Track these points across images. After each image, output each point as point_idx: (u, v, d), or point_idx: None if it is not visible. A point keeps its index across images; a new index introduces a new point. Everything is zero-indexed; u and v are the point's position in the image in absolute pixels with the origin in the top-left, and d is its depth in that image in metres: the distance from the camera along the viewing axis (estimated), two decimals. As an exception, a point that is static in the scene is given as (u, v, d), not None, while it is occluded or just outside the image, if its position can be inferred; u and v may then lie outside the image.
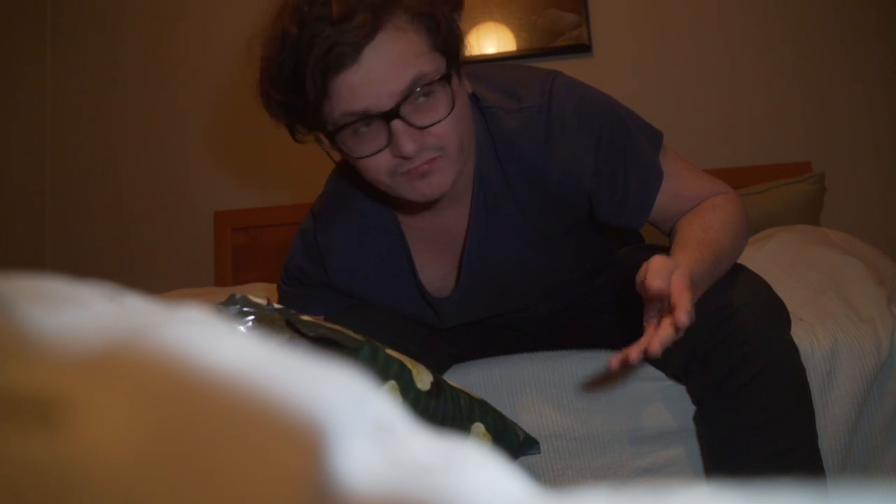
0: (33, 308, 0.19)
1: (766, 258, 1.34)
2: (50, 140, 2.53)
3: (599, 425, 1.05)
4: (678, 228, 0.91)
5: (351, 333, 0.77)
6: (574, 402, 1.06)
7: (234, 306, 0.74)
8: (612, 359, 0.75)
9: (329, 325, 0.78)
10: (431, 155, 0.83)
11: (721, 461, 0.90)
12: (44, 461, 0.15)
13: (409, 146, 0.80)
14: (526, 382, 1.08)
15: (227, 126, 2.46)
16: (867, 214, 2.17)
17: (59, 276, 0.22)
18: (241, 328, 0.74)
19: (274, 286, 1.50)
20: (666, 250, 0.89)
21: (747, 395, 0.85)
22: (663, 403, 1.05)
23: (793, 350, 0.88)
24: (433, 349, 1.06)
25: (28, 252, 2.43)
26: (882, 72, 2.21)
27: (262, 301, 0.77)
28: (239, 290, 1.82)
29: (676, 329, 0.73)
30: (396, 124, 0.80)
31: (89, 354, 0.17)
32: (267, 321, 0.75)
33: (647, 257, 0.78)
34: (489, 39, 2.34)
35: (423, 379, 0.80)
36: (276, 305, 0.78)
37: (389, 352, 0.79)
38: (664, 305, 0.76)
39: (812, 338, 1.04)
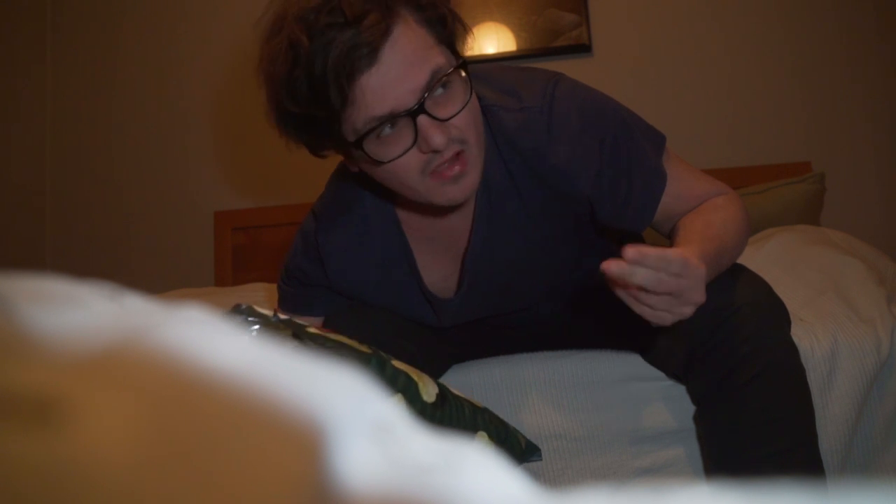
0: (33, 308, 0.19)
1: (766, 258, 1.34)
2: (50, 140, 2.53)
3: (599, 425, 1.05)
4: (679, 227, 0.92)
5: (358, 346, 0.77)
6: (574, 402, 1.06)
7: (239, 316, 0.74)
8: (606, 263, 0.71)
9: (335, 337, 0.78)
10: (457, 148, 0.82)
11: (721, 461, 0.90)
12: (44, 461, 0.15)
13: (437, 138, 0.79)
14: (526, 382, 1.08)
15: (227, 126, 2.46)
16: (867, 214, 2.17)
17: (59, 276, 0.22)
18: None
19: (274, 286, 1.50)
20: None
21: (747, 395, 0.85)
22: (663, 403, 1.05)
23: (793, 350, 0.88)
24: (433, 349, 1.06)
25: (28, 252, 2.43)
26: (882, 72, 2.21)
27: (267, 312, 0.77)
28: (239, 291, 1.82)
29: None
30: (422, 119, 0.79)
31: (89, 354, 0.17)
32: (272, 331, 0.75)
33: None
34: (489, 39, 2.34)
35: (428, 391, 0.80)
36: (283, 316, 0.78)
37: (395, 363, 0.79)
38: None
39: (812, 338, 1.04)
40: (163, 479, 0.15)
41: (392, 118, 0.79)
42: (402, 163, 0.82)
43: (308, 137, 0.87)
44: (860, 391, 1.01)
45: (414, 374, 0.81)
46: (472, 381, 1.08)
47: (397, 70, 0.78)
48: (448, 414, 0.81)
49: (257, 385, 0.18)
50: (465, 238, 0.99)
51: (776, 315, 0.88)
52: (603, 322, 1.08)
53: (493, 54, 2.32)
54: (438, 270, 1.02)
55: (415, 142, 0.81)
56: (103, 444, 0.15)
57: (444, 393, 0.83)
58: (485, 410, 0.89)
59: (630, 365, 1.07)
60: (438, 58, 0.80)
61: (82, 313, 0.20)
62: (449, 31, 0.83)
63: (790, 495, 0.18)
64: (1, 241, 2.30)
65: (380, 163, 0.83)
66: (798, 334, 0.99)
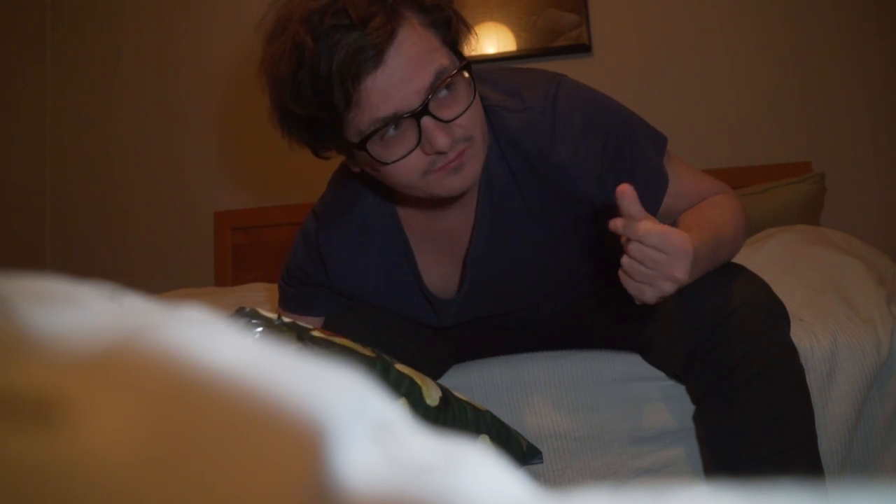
0: (33, 308, 0.19)
1: (766, 258, 1.34)
2: (50, 140, 2.53)
3: (599, 425, 1.05)
4: (678, 222, 0.92)
5: (363, 350, 0.77)
6: (574, 402, 1.06)
7: (242, 318, 0.74)
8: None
9: (341, 341, 0.78)
10: (461, 146, 0.82)
11: (720, 461, 0.90)
12: (44, 461, 0.15)
13: (441, 140, 0.79)
14: (526, 382, 1.08)
15: (227, 126, 2.46)
16: (867, 214, 2.17)
17: (59, 276, 0.22)
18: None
19: (274, 286, 1.50)
20: None
21: (746, 394, 0.85)
22: (663, 403, 1.05)
23: (792, 350, 0.88)
24: (433, 349, 1.06)
25: (28, 252, 2.43)
26: (882, 72, 2.21)
27: (271, 315, 0.77)
28: (239, 291, 1.82)
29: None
30: (426, 121, 0.79)
31: (89, 354, 0.18)
32: (275, 334, 0.75)
33: None
34: (489, 39, 2.34)
35: (431, 395, 0.81)
36: (287, 319, 0.77)
37: (399, 367, 0.79)
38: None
39: (812, 338, 1.04)
40: (163, 480, 0.15)
41: (396, 119, 0.79)
42: (405, 164, 0.82)
43: (311, 138, 0.87)
44: (860, 391, 1.01)
45: (417, 377, 0.81)
46: (472, 381, 1.08)
47: (402, 72, 0.77)
48: (451, 417, 0.82)
49: (257, 385, 0.18)
50: (466, 238, 0.99)
51: (775, 315, 0.88)
52: (603, 322, 1.08)
53: (494, 54, 2.32)
54: (439, 271, 1.02)
55: (418, 143, 0.81)
56: (103, 445, 0.15)
57: (446, 396, 0.83)
58: (486, 413, 0.90)
59: (630, 365, 1.07)
60: (442, 59, 0.80)
61: (82, 313, 0.20)
62: (453, 33, 0.83)
63: (790, 495, 0.18)
64: (1, 241, 2.30)
65: (383, 164, 0.83)
66: (798, 334, 0.99)
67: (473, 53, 2.52)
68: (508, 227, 0.96)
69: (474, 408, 0.88)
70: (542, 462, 0.97)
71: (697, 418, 0.99)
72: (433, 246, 1.01)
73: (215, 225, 2.41)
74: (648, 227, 0.74)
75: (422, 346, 1.03)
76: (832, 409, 1.01)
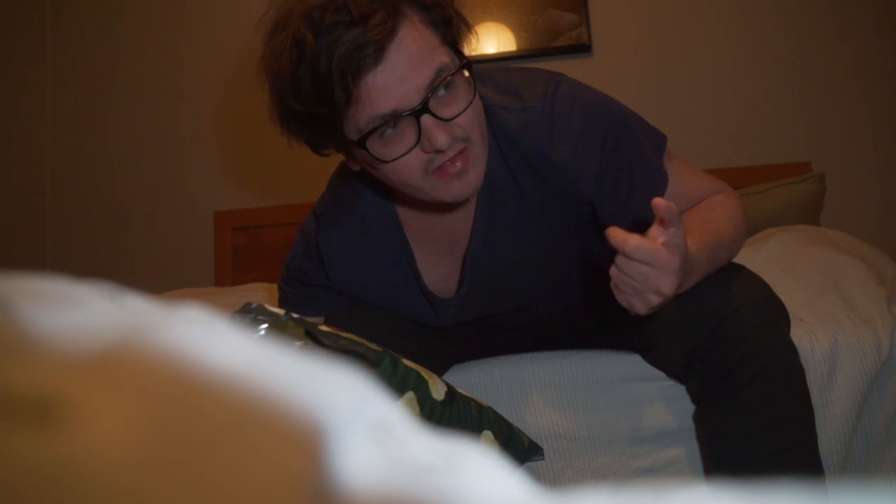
0: (33, 308, 0.19)
1: (766, 258, 1.34)
2: (50, 140, 2.53)
3: (599, 425, 1.05)
4: None
5: (370, 345, 0.77)
6: (574, 402, 1.06)
7: (248, 315, 0.74)
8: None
9: (348, 336, 0.78)
10: (460, 146, 0.82)
11: (720, 461, 0.90)
12: (44, 461, 0.15)
13: (441, 138, 0.79)
14: (526, 382, 1.08)
15: (227, 126, 2.46)
16: (867, 214, 2.18)
17: (59, 276, 0.22)
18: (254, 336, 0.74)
19: (274, 286, 1.50)
20: None
21: (746, 395, 0.85)
22: (663, 403, 1.05)
23: (791, 351, 0.88)
24: (433, 349, 1.06)
25: (28, 252, 2.43)
26: (882, 72, 2.21)
27: (279, 311, 0.77)
28: (239, 291, 1.82)
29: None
30: (426, 119, 0.79)
31: (89, 354, 0.18)
32: (281, 330, 0.75)
33: None
34: (489, 39, 2.34)
35: (438, 389, 0.81)
36: (295, 315, 0.77)
37: (406, 362, 0.79)
38: None
39: (812, 338, 1.04)
40: (162, 480, 0.15)
41: (395, 117, 0.79)
42: (404, 162, 0.82)
43: (310, 135, 0.87)
44: (860, 391, 1.01)
45: (424, 372, 0.81)
46: (472, 381, 1.08)
47: (402, 69, 0.78)
48: (456, 412, 0.82)
49: (257, 385, 0.18)
50: (465, 238, 0.99)
51: (775, 315, 0.88)
52: (603, 322, 1.08)
53: (493, 54, 2.32)
54: (439, 271, 1.02)
55: (418, 141, 0.81)
56: (103, 445, 0.15)
57: (451, 392, 0.83)
58: (489, 409, 0.90)
59: (630, 365, 1.07)
60: (443, 58, 0.80)
61: (82, 313, 0.20)
62: (454, 32, 0.83)
63: (790, 495, 0.18)
64: (1, 241, 2.30)
65: (382, 162, 0.83)
66: (798, 334, 0.99)
67: (473, 53, 2.51)
68: (508, 227, 0.96)
69: (477, 403, 0.88)
70: (543, 458, 0.97)
71: (697, 418, 0.99)
72: (433, 246, 1.01)
73: (215, 225, 2.41)
74: (637, 241, 0.73)
75: (422, 346, 1.03)
76: (832, 409, 1.01)
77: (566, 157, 0.90)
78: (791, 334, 0.89)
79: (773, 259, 1.34)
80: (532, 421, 1.06)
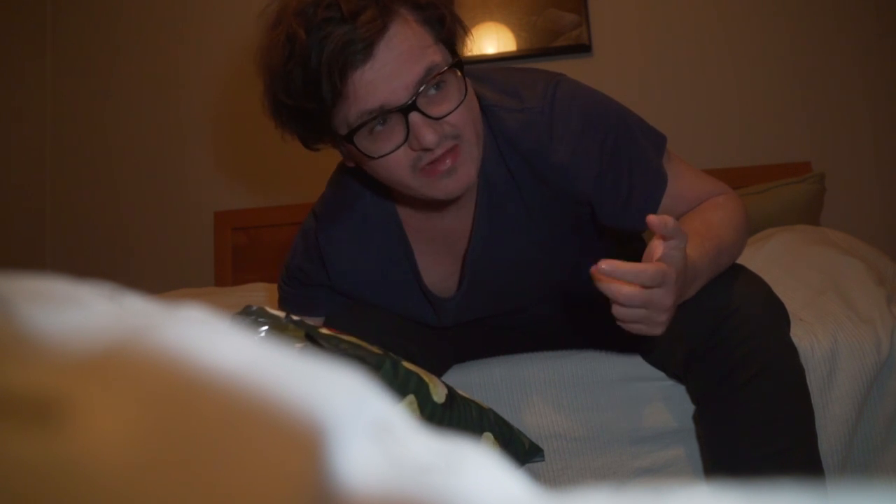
0: (33, 308, 0.19)
1: (766, 258, 1.34)
2: (50, 140, 2.53)
3: (599, 425, 1.05)
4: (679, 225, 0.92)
5: (370, 348, 0.78)
6: (574, 402, 1.06)
7: (248, 317, 0.74)
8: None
9: (349, 339, 0.78)
10: (450, 143, 0.82)
11: (720, 461, 0.90)
12: (44, 461, 0.15)
13: (429, 136, 0.79)
14: (526, 382, 1.08)
15: (227, 126, 2.46)
16: (867, 214, 2.17)
17: (59, 276, 0.22)
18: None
19: (274, 286, 1.50)
20: None
21: (746, 395, 0.85)
22: (663, 403, 1.05)
23: (791, 350, 0.88)
24: (433, 349, 1.06)
25: (28, 252, 2.43)
26: (882, 72, 2.21)
27: (279, 313, 0.77)
28: (239, 291, 1.82)
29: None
30: (414, 117, 0.79)
31: (89, 355, 0.18)
32: (281, 332, 0.75)
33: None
34: (489, 39, 2.34)
35: (438, 392, 0.81)
36: (295, 318, 0.78)
37: (406, 365, 0.80)
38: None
39: (812, 338, 1.04)
40: (162, 480, 0.15)
41: (383, 113, 0.80)
42: (392, 159, 0.83)
43: (301, 130, 0.88)
44: (860, 391, 1.01)
45: (424, 375, 0.81)
46: (472, 381, 1.08)
47: (391, 66, 0.78)
48: (457, 414, 0.82)
49: (257, 385, 0.18)
50: (465, 238, 0.99)
51: (775, 315, 0.88)
52: (603, 323, 1.08)
53: (493, 54, 2.32)
54: (439, 270, 1.02)
55: (406, 139, 0.81)
56: (103, 445, 0.15)
57: (452, 394, 0.83)
58: (490, 411, 0.90)
59: (630, 365, 1.07)
60: (434, 56, 0.81)
61: (82, 313, 0.20)
62: (447, 31, 0.84)
63: (790, 495, 0.18)
64: (1, 241, 2.30)
65: (370, 158, 0.83)
66: (798, 334, 0.99)
67: (473, 53, 2.50)
68: (507, 228, 0.96)
69: (478, 405, 0.88)
70: (543, 460, 0.97)
71: (697, 418, 0.99)
72: (433, 246, 1.01)
73: (215, 225, 2.41)
74: (628, 292, 0.72)
75: (422, 346, 1.03)
76: (832, 409, 1.01)
77: (565, 158, 0.90)
78: (791, 334, 0.89)
79: (773, 259, 1.34)
80: (532, 421, 1.06)
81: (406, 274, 1.02)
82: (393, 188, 0.91)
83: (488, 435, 0.86)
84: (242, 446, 0.17)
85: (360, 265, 1.02)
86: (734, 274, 0.90)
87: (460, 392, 0.87)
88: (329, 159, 1.04)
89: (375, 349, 0.79)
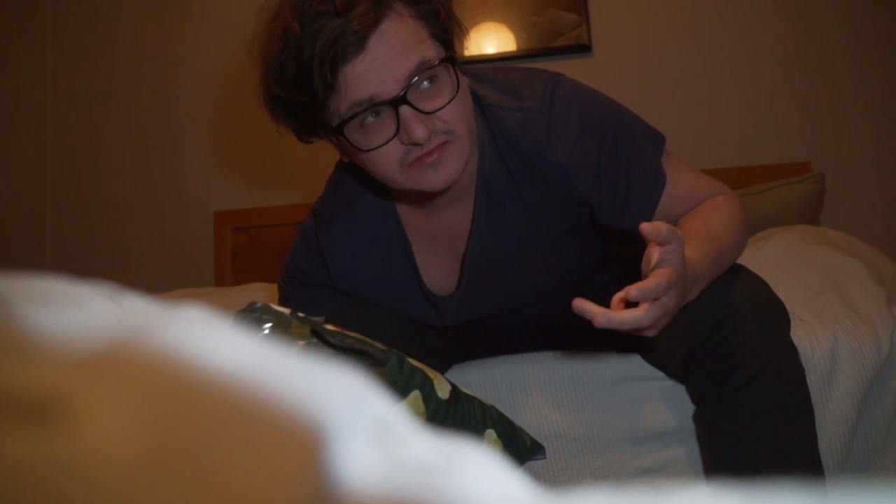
0: (33, 308, 0.19)
1: (766, 258, 1.34)
2: (50, 140, 2.53)
3: (599, 425, 1.05)
4: (679, 226, 0.91)
5: (376, 343, 0.77)
6: (574, 402, 1.06)
7: (252, 314, 0.74)
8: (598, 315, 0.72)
9: (354, 335, 0.78)
10: (441, 139, 0.82)
11: (720, 461, 0.90)
12: (44, 461, 0.15)
13: (419, 131, 0.79)
14: (526, 382, 1.08)
15: (227, 126, 2.46)
16: (867, 214, 2.17)
17: (59, 276, 0.22)
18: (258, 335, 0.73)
19: (274, 286, 1.50)
20: None
21: (746, 395, 0.85)
22: (663, 403, 1.05)
23: (792, 351, 0.88)
24: (434, 349, 1.06)
25: (28, 252, 2.43)
26: (882, 72, 2.21)
27: (284, 310, 0.76)
28: (239, 291, 1.82)
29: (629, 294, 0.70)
30: (405, 110, 0.80)
31: (89, 354, 0.18)
32: (285, 329, 0.74)
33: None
34: (489, 39, 2.34)
35: (442, 388, 0.81)
36: (300, 314, 0.77)
37: (411, 361, 0.79)
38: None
39: (812, 338, 1.04)
40: (162, 480, 0.15)
41: (374, 105, 0.80)
42: (381, 152, 0.83)
43: (295, 122, 0.89)
44: (860, 391, 1.01)
45: (429, 371, 0.81)
46: (471, 380, 1.08)
47: (383, 59, 0.79)
48: (461, 411, 0.82)
49: (257, 385, 0.18)
50: (465, 237, 0.99)
51: (775, 315, 0.88)
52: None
53: (493, 54, 2.32)
54: (439, 270, 1.02)
55: (396, 132, 0.81)
56: (103, 445, 0.15)
57: (455, 390, 0.83)
58: (492, 408, 0.90)
59: (630, 365, 1.07)
60: (427, 51, 0.81)
61: (82, 313, 0.20)
62: (442, 27, 0.84)
63: (790, 495, 0.18)
64: (1, 241, 2.30)
65: (360, 150, 0.84)
66: (798, 334, 0.99)
67: (473, 53, 2.50)
68: (507, 227, 0.96)
69: (481, 402, 0.88)
70: (544, 458, 0.97)
71: (697, 418, 0.99)
72: (432, 245, 1.01)
73: (215, 225, 2.41)
74: (619, 319, 0.71)
75: (422, 346, 1.03)
76: (832, 409, 1.01)
77: (564, 157, 0.90)
78: (791, 334, 0.89)
79: (773, 259, 1.34)
80: (532, 421, 1.06)
81: (406, 273, 1.02)
82: (390, 186, 0.91)
83: (491, 432, 0.86)
84: (242, 446, 0.17)
85: (360, 264, 1.02)
86: (734, 274, 0.90)
87: (463, 389, 0.87)
88: (329, 159, 1.04)
89: (381, 345, 0.79)
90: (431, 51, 0.82)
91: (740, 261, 0.94)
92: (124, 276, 2.34)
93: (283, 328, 0.74)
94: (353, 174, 1.00)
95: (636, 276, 0.79)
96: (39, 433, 0.15)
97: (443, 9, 0.84)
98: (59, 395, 0.16)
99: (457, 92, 0.83)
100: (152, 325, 0.20)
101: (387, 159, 0.84)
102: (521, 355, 1.12)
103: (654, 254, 0.73)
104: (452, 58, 0.84)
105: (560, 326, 1.14)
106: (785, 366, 0.86)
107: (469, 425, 0.83)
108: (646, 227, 0.70)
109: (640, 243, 1.16)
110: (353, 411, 0.20)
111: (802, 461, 0.84)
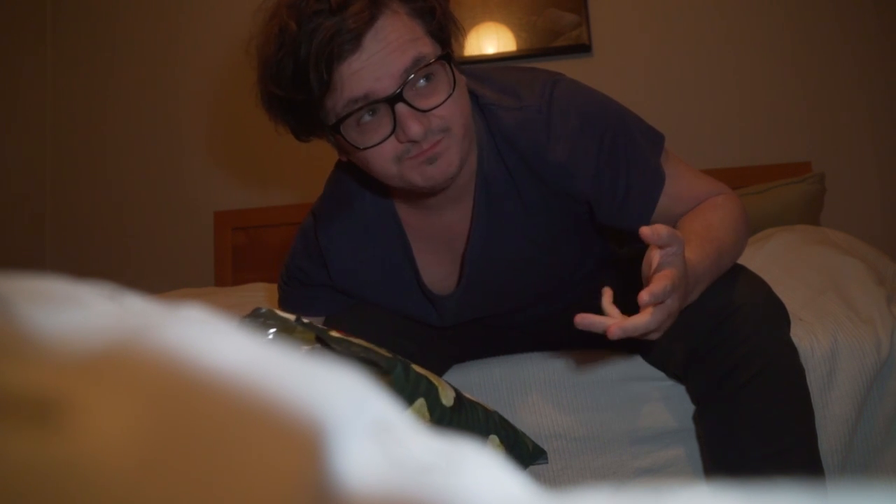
0: (33, 308, 0.19)
1: (766, 258, 1.34)
2: (50, 140, 2.53)
3: (599, 425, 1.05)
4: (679, 227, 0.91)
5: (381, 351, 0.77)
6: (574, 402, 1.06)
7: (256, 320, 0.74)
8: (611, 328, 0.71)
9: (359, 342, 0.78)
10: (437, 137, 0.83)
11: (720, 461, 0.90)
12: (44, 461, 0.15)
13: (415, 129, 0.80)
14: (526, 382, 1.08)
15: (227, 126, 2.46)
16: (867, 214, 2.17)
17: (59, 276, 0.22)
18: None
19: (274, 286, 1.50)
20: None
21: (746, 395, 0.85)
22: (663, 403, 1.05)
23: (792, 351, 0.88)
24: (433, 349, 1.06)
25: (28, 252, 2.43)
26: (882, 72, 2.21)
27: (289, 316, 0.76)
28: (239, 291, 1.82)
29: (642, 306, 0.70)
30: (401, 108, 0.80)
31: (89, 354, 0.18)
32: (289, 334, 0.74)
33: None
34: (489, 39, 2.34)
35: (447, 395, 0.81)
36: (305, 321, 0.77)
37: (416, 368, 0.79)
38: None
39: (812, 338, 1.04)
40: (162, 480, 0.15)
41: (370, 103, 0.80)
42: (378, 150, 0.83)
43: (292, 121, 0.89)
44: (860, 391, 1.01)
45: (433, 378, 0.81)
46: (472, 381, 1.08)
47: (378, 56, 0.79)
48: (465, 417, 0.82)
49: (257, 385, 0.18)
50: (464, 237, 0.99)
51: (775, 315, 0.88)
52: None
53: (493, 54, 2.32)
54: (438, 269, 1.02)
55: (393, 130, 0.81)
56: (103, 445, 0.15)
57: (459, 397, 0.83)
58: (494, 413, 0.90)
59: (630, 365, 1.07)
60: (423, 48, 0.81)
61: (82, 313, 0.20)
62: (437, 24, 0.84)
63: (790, 495, 0.18)
64: (1, 241, 2.30)
65: (357, 149, 0.84)
66: (798, 334, 0.99)
67: (473, 53, 2.50)
68: (506, 226, 0.96)
69: (484, 408, 0.88)
70: (547, 462, 0.97)
71: (697, 418, 0.99)
72: (432, 245, 1.01)
73: (215, 225, 2.41)
74: (621, 331, 0.71)
75: (422, 346, 1.03)
76: (832, 409, 1.01)
77: (563, 157, 0.90)
78: (791, 334, 0.89)
79: (773, 259, 1.34)
80: (532, 421, 1.06)
81: (406, 272, 1.02)
82: (389, 184, 0.91)
83: (494, 438, 0.86)
84: (242, 447, 0.17)
85: (360, 264, 1.02)
86: (734, 274, 0.90)
87: (465, 394, 0.87)
88: (328, 159, 1.04)
89: (385, 352, 0.79)
90: (427, 48, 0.82)
91: (740, 261, 0.94)
92: (124, 276, 2.34)
93: (287, 334, 0.74)
94: (353, 174, 1.00)
95: (636, 275, 0.79)
96: (39, 433, 0.15)
97: (439, 6, 0.84)
98: (59, 396, 0.16)
99: (453, 89, 0.83)
100: (152, 325, 0.20)
101: (384, 157, 0.84)
102: (521, 355, 1.12)
103: (654, 257, 0.73)
104: (449, 55, 0.84)
105: (560, 326, 1.14)
106: (785, 366, 0.86)
107: (473, 431, 0.83)
108: (645, 230, 0.70)
109: (640, 243, 1.16)
110: (353, 411, 0.20)
111: (802, 461, 0.84)
